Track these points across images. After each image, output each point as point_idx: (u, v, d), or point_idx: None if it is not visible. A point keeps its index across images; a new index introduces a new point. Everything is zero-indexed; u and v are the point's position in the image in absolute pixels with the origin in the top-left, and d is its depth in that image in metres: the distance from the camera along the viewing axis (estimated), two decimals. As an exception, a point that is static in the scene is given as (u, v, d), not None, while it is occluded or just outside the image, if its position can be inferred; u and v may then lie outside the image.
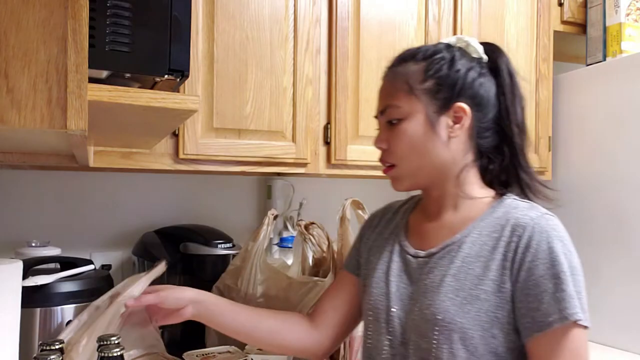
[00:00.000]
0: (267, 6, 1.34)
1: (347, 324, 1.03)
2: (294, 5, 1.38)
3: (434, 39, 1.56)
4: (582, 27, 1.90)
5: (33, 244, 1.29)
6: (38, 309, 1.07)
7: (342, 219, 1.39)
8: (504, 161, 0.91)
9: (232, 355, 1.17)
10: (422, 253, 0.91)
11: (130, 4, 0.76)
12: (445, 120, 0.88)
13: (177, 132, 1.23)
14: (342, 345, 1.22)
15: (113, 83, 0.76)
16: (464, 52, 0.91)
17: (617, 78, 1.67)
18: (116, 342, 0.83)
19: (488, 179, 0.93)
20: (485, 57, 0.92)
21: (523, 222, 0.83)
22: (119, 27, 0.75)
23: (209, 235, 1.41)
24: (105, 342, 0.83)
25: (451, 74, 0.88)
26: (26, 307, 0.96)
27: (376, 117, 0.96)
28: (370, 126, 1.52)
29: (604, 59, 1.80)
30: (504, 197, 0.90)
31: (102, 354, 0.80)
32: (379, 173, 1.52)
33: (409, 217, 1.00)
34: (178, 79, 0.83)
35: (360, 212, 1.46)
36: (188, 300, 0.96)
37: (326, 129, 1.44)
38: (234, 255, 1.38)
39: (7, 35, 0.59)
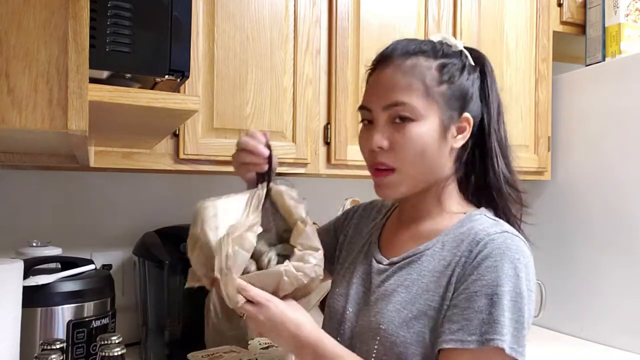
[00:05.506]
0: (267, 6, 1.34)
1: None
2: (294, 6, 1.38)
3: (434, 40, 1.56)
4: (582, 27, 1.90)
5: (34, 244, 1.29)
6: (39, 309, 1.07)
7: (342, 219, 1.40)
8: (478, 172, 0.87)
9: (237, 354, 1.18)
10: (385, 260, 0.88)
11: (130, 5, 0.76)
12: (453, 130, 0.83)
13: (177, 132, 1.24)
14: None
15: (114, 83, 0.76)
16: (467, 58, 0.86)
17: (616, 78, 1.67)
18: (117, 341, 0.84)
19: (465, 193, 0.89)
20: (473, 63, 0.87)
21: (479, 238, 0.78)
22: (120, 27, 0.76)
23: (209, 235, 1.41)
24: (105, 342, 0.83)
25: (463, 83, 0.84)
26: (27, 307, 0.97)
27: (364, 109, 0.86)
28: (370, 126, 1.53)
29: (603, 60, 1.80)
30: (476, 212, 0.85)
31: (103, 354, 0.80)
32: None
33: (387, 221, 0.97)
34: (178, 80, 0.83)
35: (360, 212, 1.46)
36: None
37: (326, 129, 1.44)
38: (234, 255, 1.38)
39: (8, 36, 0.59)
